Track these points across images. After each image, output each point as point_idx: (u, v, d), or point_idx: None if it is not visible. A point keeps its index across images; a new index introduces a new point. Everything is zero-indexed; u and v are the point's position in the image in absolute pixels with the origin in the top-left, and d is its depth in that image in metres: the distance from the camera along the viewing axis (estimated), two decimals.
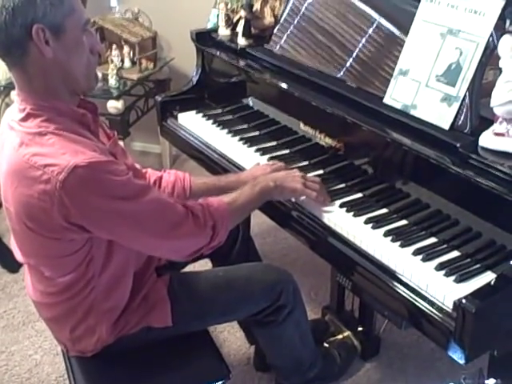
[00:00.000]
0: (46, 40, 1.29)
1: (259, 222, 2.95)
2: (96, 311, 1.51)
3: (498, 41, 1.46)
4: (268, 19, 2.20)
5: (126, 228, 1.38)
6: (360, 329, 2.19)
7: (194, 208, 1.47)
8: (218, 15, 3.04)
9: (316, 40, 1.98)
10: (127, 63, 3.21)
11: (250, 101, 2.22)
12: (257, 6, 2.19)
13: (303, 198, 1.70)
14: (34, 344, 2.35)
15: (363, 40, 1.85)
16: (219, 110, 2.31)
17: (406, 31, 1.69)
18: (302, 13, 2.06)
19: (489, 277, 1.39)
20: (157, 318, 1.56)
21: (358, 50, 1.86)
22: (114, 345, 1.54)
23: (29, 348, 2.33)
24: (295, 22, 2.07)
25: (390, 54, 1.75)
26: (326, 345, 2.16)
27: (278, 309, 1.73)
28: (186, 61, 3.44)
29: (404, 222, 1.61)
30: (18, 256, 1.54)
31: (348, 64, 1.87)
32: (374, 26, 1.83)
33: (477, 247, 1.47)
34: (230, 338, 2.35)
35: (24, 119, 1.34)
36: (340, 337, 2.21)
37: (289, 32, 2.08)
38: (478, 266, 1.43)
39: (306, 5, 2.04)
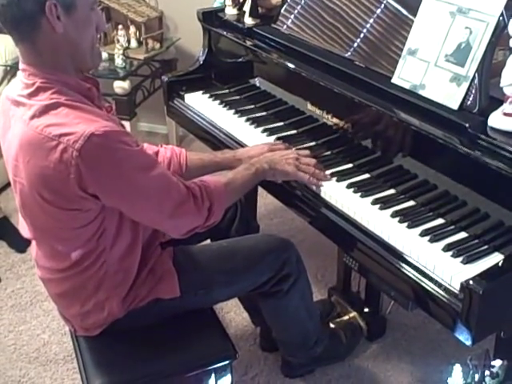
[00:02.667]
0: (58, 15, 1.30)
1: (266, 202, 2.95)
2: (106, 285, 1.52)
3: (508, 20, 1.45)
4: None
5: (134, 199, 1.41)
6: (366, 310, 2.20)
7: (194, 189, 1.50)
8: None
9: (323, 19, 1.96)
10: (133, 43, 3.20)
11: (257, 81, 2.20)
12: None
13: None
14: (42, 323, 2.37)
15: (371, 20, 1.83)
16: (226, 91, 2.30)
17: (413, 11, 1.67)
18: None
19: (496, 258, 1.39)
20: (165, 289, 1.58)
21: (365, 29, 1.84)
22: (123, 319, 1.56)
23: (36, 327, 2.35)
24: (302, 1, 2.05)
25: (397, 33, 1.73)
26: (332, 325, 2.17)
27: (282, 278, 1.75)
28: (192, 41, 3.41)
29: (412, 202, 1.60)
30: (26, 233, 1.55)
31: (356, 44, 1.85)
32: (382, 5, 1.81)
33: (484, 228, 1.46)
34: (237, 318, 2.36)
35: (34, 93, 1.35)
36: (346, 317, 2.21)
37: (296, 11, 2.06)
38: (485, 247, 1.43)
39: None
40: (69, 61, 1.38)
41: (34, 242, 1.62)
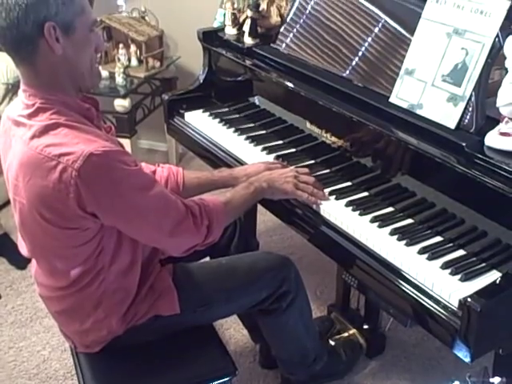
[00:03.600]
0: (57, 37, 1.33)
1: (265, 219, 2.97)
2: (105, 304, 1.53)
3: (503, 41, 1.47)
4: (274, 18, 2.21)
5: (132, 218, 1.42)
6: (365, 327, 2.20)
7: (193, 207, 1.52)
8: (224, 14, 3.08)
9: (322, 39, 1.99)
10: (134, 62, 3.23)
11: (256, 99, 2.23)
12: (263, 6, 2.19)
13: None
14: (42, 340, 2.37)
15: (369, 39, 1.86)
16: (225, 109, 2.32)
17: (411, 30, 1.70)
18: (308, 12, 2.07)
19: (494, 276, 1.40)
20: (165, 306, 1.59)
21: (363, 49, 1.86)
22: (122, 336, 1.57)
23: (37, 344, 2.35)
24: (301, 21, 2.08)
25: (395, 53, 1.76)
26: (331, 342, 2.17)
27: (281, 296, 1.76)
28: (192, 59, 3.46)
29: (410, 220, 1.62)
30: (24, 251, 1.57)
31: (354, 63, 1.88)
32: (380, 25, 1.84)
33: (482, 246, 1.48)
34: (236, 335, 2.37)
35: (34, 114, 1.37)
36: (345, 334, 2.22)
37: (295, 31, 2.09)
38: (483, 264, 1.44)
39: (312, 4, 2.05)
40: (68, 81, 1.40)
41: (33, 261, 1.63)
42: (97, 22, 1.44)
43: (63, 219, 1.37)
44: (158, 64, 3.27)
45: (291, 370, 2.00)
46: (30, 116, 1.37)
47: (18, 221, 1.47)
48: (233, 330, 2.38)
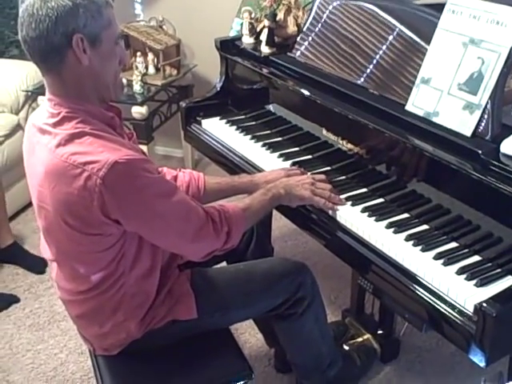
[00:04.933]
0: (84, 49, 1.37)
1: (280, 225, 2.99)
2: (125, 307, 1.56)
3: None
4: (291, 28, 2.24)
5: (155, 225, 1.45)
6: (380, 332, 2.22)
7: (213, 213, 1.55)
8: (241, 24, 3.12)
9: (338, 48, 2.02)
10: (151, 70, 3.27)
11: (272, 107, 2.26)
12: (280, 16, 2.23)
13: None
14: (60, 343, 2.41)
15: (384, 47, 1.89)
16: (242, 116, 2.36)
17: (425, 38, 1.73)
18: (324, 21, 2.10)
19: (509, 281, 1.42)
20: (182, 310, 1.62)
21: (379, 57, 1.89)
22: (140, 340, 1.60)
23: (54, 347, 2.39)
24: (317, 30, 2.11)
25: (411, 61, 1.78)
26: (346, 347, 2.19)
27: (297, 301, 1.78)
28: (208, 67, 3.51)
29: (425, 226, 1.64)
30: (48, 255, 1.60)
31: (369, 71, 1.91)
32: (395, 34, 1.87)
33: (497, 252, 1.49)
34: (251, 339, 2.39)
35: (59, 122, 1.41)
36: (360, 339, 2.24)
37: (311, 40, 2.12)
38: (498, 270, 1.46)
39: (327, 13, 2.08)
40: (93, 91, 1.44)
41: (53, 264, 1.66)
42: (122, 35, 1.48)
43: (87, 225, 1.41)
44: (174, 72, 3.32)
45: (306, 375, 2.02)
46: (56, 124, 1.41)
47: (44, 226, 1.51)
48: (248, 335, 2.41)
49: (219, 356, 1.65)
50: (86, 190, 1.34)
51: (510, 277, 1.44)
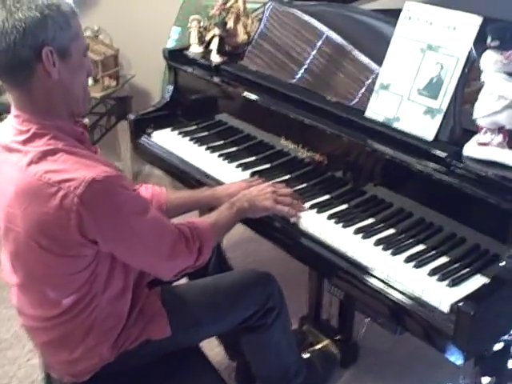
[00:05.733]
0: (54, 62, 1.32)
1: (228, 235, 2.95)
2: (96, 331, 1.50)
3: (477, 55, 1.55)
4: (241, 36, 2.24)
5: (131, 244, 1.41)
6: (338, 337, 2.24)
7: (184, 230, 1.52)
8: (179, 32, 3.10)
9: (290, 55, 2.04)
10: (90, 81, 3.17)
11: (223, 117, 2.25)
12: (230, 24, 2.22)
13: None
14: (8, 373, 2.29)
15: (337, 56, 1.94)
16: (194, 127, 2.32)
17: (380, 47, 1.76)
18: (275, 29, 2.11)
19: (479, 280, 1.46)
20: (156, 329, 1.58)
21: (333, 65, 1.92)
22: (113, 363, 1.54)
23: (3, 377, 2.28)
24: (269, 38, 2.12)
25: (367, 70, 1.82)
26: (306, 355, 2.19)
27: (266, 312, 1.78)
28: (146, 78, 3.46)
29: (392, 230, 1.66)
30: (13, 279, 1.51)
31: (324, 79, 1.93)
32: (352, 42, 1.90)
33: (463, 252, 1.53)
34: (209, 354, 2.33)
35: (29, 139, 1.34)
36: (319, 346, 2.25)
37: (263, 48, 2.13)
38: (467, 270, 1.49)
39: (278, 21, 2.10)
40: (62, 106, 1.39)
41: (15, 290, 1.59)
42: (89, 47, 1.44)
43: (61, 246, 1.35)
44: (113, 83, 3.25)
45: None
46: (26, 142, 1.35)
47: (11, 249, 1.43)
48: (205, 349, 2.36)
49: (193, 374, 1.61)
50: (62, 210, 1.29)
51: (478, 275, 1.48)
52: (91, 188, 1.28)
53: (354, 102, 1.83)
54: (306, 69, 2.00)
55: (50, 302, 1.46)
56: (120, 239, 1.39)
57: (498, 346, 1.49)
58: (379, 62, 1.76)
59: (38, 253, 1.36)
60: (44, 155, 1.32)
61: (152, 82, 3.41)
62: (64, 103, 1.39)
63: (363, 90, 1.82)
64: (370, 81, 1.81)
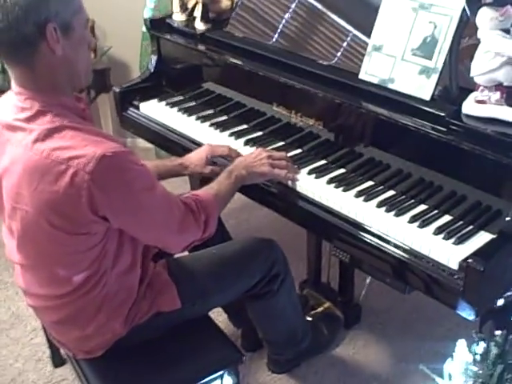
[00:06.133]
0: (57, 38, 1.28)
1: None
2: (107, 307, 1.51)
3: (470, 12, 1.54)
4: (225, 2, 2.20)
5: (142, 219, 1.41)
6: (340, 299, 2.26)
7: (190, 204, 1.53)
8: (155, 1, 3.03)
9: (277, 19, 2.01)
10: None
11: (209, 85, 2.22)
12: None
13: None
14: (13, 352, 2.28)
15: (326, 16, 1.91)
16: (181, 97, 2.30)
17: (371, 7, 1.74)
18: None
19: (483, 236, 1.48)
20: (165, 302, 1.59)
21: (323, 27, 1.90)
22: (125, 337, 1.55)
23: (8, 357, 2.26)
24: (255, 2, 2.08)
25: (361, 29, 1.80)
26: (309, 318, 2.22)
27: (272, 278, 1.80)
28: (123, 49, 3.39)
29: (392, 192, 1.67)
30: (19, 259, 1.50)
31: (312, 42, 1.91)
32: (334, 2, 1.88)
33: (465, 210, 1.55)
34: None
35: (33, 117, 1.32)
36: (321, 309, 2.27)
37: (249, 13, 2.09)
38: (471, 227, 1.51)
39: None
40: (66, 82, 1.36)
41: (19, 270, 1.58)
42: (89, 19, 1.40)
43: (73, 224, 1.33)
44: (92, 55, 3.16)
45: (280, 351, 2.04)
46: (29, 120, 1.31)
47: (19, 229, 1.41)
48: None
49: (206, 343, 1.62)
50: (72, 187, 1.27)
51: (482, 232, 1.50)
52: (101, 164, 1.26)
53: (345, 64, 1.81)
54: (292, 31, 1.98)
55: (61, 281, 1.46)
56: (131, 214, 1.38)
57: (500, 301, 1.52)
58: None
59: (49, 231, 1.35)
60: (50, 132, 1.29)
61: (129, 53, 3.35)
62: (68, 79, 1.36)
63: (354, 52, 1.81)
64: (355, 42, 1.79)
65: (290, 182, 1.76)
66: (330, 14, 1.91)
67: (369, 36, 1.74)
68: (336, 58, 1.86)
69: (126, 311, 1.53)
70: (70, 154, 1.27)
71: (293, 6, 2.00)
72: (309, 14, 1.96)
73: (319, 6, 1.95)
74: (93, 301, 1.49)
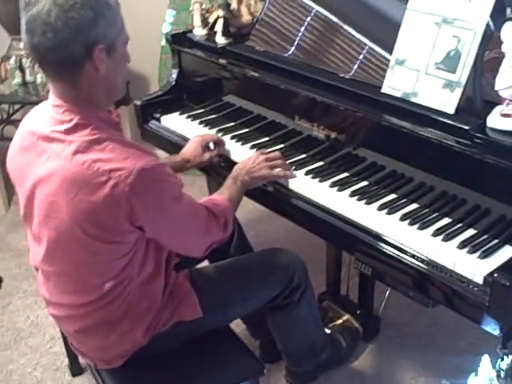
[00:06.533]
0: (103, 58, 1.32)
1: (237, 216, 2.96)
2: (131, 315, 1.53)
3: (494, 27, 1.55)
4: (245, 17, 2.22)
5: (175, 227, 1.48)
6: (359, 311, 2.26)
7: (211, 208, 1.59)
8: (174, 15, 3.06)
9: (299, 34, 2.02)
10: None
11: (230, 98, 2.23)
12: (233, 5, 2.20)
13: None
14: (31, 361, 2.29)
15: (348, 31, 1.94)
16: (201, 110, 2.31)
17: (392, 22, 1.76)
18: (282, 7, 2.09)
19: (508, 250, 1.48)
20: (187, 311, 1.61)
21: (343, 41, 1.92)
22: (145, 347, 1.56)
23: (26, 366, 2.27)
24: (276, 17, 2.10)
25: (383, 44, 1.82)
26: (327, 331, 2.21)
27: (293, 290, 1.81)
28: (142, 62, 3.41)
29: (415, 205, 1.67)
30: (47, 267, 1.52)
31: (333, 56, 1.93)
32: (360, 17, 1.90)
33: (489, 223, 1.54)
34: None
35: (72, 129, 1.36)
36: (340, 321, 2.27)
37: (270, 27, 2.11)
38: (496, 241, 1.51)
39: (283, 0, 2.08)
40: (104, 97, 1.41)
41: (42, 280, 1.60)
42: (129, 38, 1.45)
43: (108, 233, 1.37)
44: None
45: (299, 363, 2.03)
46: (69, 132, 1.35)
47: (52, 237, 1.43)
48: None
49: (227, 355, 1.63)
50: (112, 198, 1.31)
51: (507, 246, 1.49)
52: (141, 177, 1.31)
53: (363, 77, 1.82)
54: (311, 46, 1.99)
55: (88, 289, 1.48)
56: (166, 224, 1.43)
57: None
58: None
59: (82, 239, 1.37)
60: (90, 144, 1.33)
61: (148, 66, 3.38)
62: (106, 94, 1.41)
63: (371, 65, 1.83)
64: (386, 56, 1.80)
65: (313, 196, 1.77)
66: (347, 27, 1.92)
67: (385, 49, 1.77)
68: (353, 71, 1.87)
69: (148, 320, 1.55)
70: (111, 166, 1.31)
71: (311, 20, 2.01)
72: (326, 29, 1.97)
73: (336, 19, 1.96)
74: (117, 309, 1.51)
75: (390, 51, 1.74)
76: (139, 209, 1.34)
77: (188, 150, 1.97)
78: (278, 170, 1.83)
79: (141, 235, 1.42)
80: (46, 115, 1.41)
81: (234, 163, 1.96)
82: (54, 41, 1.26)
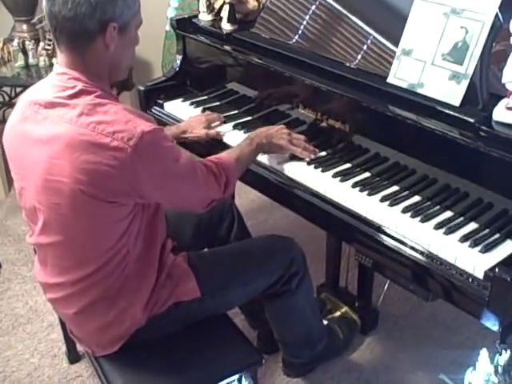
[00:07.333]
0: (114, 36, 1.38)
1: (239, 205, 2.95)
2: (127, 291, 1.54)
3: (504, 19, 1.52)
4: (252, 3, 2.20)
5: (174, 186, 1.50)
6: (357, 304, 2.25)
7: (211, 166, 1.62)
8: (179, 0, 3.03)
9: (306, 22, 2.00)
10: None
11: (234, 86, 2.21)
12: None
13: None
14: (29, 347, 2.28)
15: (357, 20, 1.91)
16: (205, 97, 2.30)
17: (400, 11, 1.75)
18: None
19: (510, 245, 1.46)
20: (185, 291, 1.61)
21: (351, 29, 1.89)
22: (143, 329, 1.56)
23: (24, 352, 2.27)
24: (282, 4, 2.07)
25: (388, 34, 1.80)
26: (325, 322, 2.20)
27: (291, 277, 1.81)
28: (146, 48, 3.37)
29: (417, 197, 1.66)
30: (44, 239, 1.51)
31: (341, 44, 1.90)
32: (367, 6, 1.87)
33: (491, 218, 1.53)
34: None
35: (76, 94, 1.39)
36: (338, 313, 2.26)
37: (276, 15, 2.09)
38: (497, 235, 1.50)
39: None
40: (107, 73, 1.46)
41: (38, 267, 1.61)
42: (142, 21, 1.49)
43: (106, 193, 1.39)
44: None
45: (295, 354, 2.03)
46: (72, 97, 1.39)
47: (52, 202, 1.43)
48: None
49: (225, 344, 1.62)
50: (115, 160, 1.34)
51: (509, 241, 1.48)
52: (143, 139, 1.34)
53: (368, 67, 1.80)
54: (317, 34, 1.97)
55: (87, 259, 1.49)
56: (166, 183, 1.46)
57: None
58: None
59: (83, 202, 1.39)
60: (94, 107, 1.37)
61: (152, 51, 3.35)
62: (109, 70, 1.46)
63: (375, 55, 1.80)
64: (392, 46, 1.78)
65: (315, 187, 1.75)
66: (352, 17, 1.90)
67: (390, 39, 1.75)
68: (358, 61, 1.85)
69: (145, 298, 1.55)
70: (115, 128, 1.34)
71: (316, 9, 1.98)
72: (332, 18, 1.95)
73: (341, 8, 1.94)
74: (114, 283, 1.52)
75: (395, 42, 1.72)
76: (142, 171, 1.37)
77: (189, 122, 2.03)
78: (295, 147, 1.83)
79: (136, 201, 1.45)
80: (49, 84, 1.45)
81: (226, 146, 1.96)
82: (73, 12, 1.33)
